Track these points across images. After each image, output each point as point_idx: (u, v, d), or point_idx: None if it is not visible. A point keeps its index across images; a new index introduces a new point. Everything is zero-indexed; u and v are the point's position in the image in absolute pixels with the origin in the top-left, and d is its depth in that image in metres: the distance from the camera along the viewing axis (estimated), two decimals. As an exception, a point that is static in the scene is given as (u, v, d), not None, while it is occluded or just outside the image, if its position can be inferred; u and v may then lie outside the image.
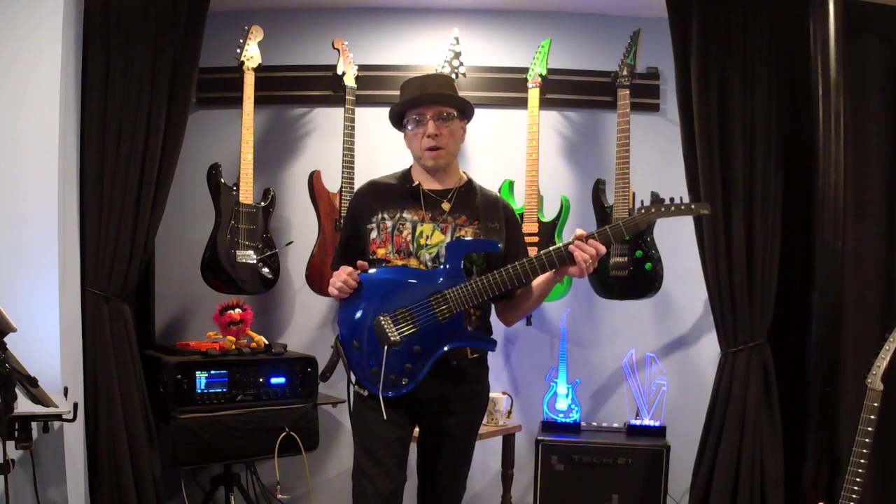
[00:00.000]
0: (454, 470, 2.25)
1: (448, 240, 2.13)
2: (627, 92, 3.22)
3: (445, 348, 2.06)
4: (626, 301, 3.29)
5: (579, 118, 3.57)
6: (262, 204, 3.30)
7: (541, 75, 3.30)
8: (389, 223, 2.16)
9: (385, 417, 2.04)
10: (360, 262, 2.11)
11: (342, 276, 2.09)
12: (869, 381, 2.34)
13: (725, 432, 2.91)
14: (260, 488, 3.31)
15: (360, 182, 3.26)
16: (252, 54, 3.23)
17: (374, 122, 3.50)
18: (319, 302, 3.51)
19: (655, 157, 3.44)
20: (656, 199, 2.07)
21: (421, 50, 3.52)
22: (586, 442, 3.10)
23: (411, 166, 2.28)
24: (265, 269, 3.27)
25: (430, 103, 2.15)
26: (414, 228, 2.15)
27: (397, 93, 3.44)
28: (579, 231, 2.03)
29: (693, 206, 2.08)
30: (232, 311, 3.10)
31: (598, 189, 3.30)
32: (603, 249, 2.01)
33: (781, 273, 2.95)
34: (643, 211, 2.05)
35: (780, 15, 2.94)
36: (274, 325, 3.56)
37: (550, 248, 2.03)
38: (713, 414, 2.97)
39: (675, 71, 2.99)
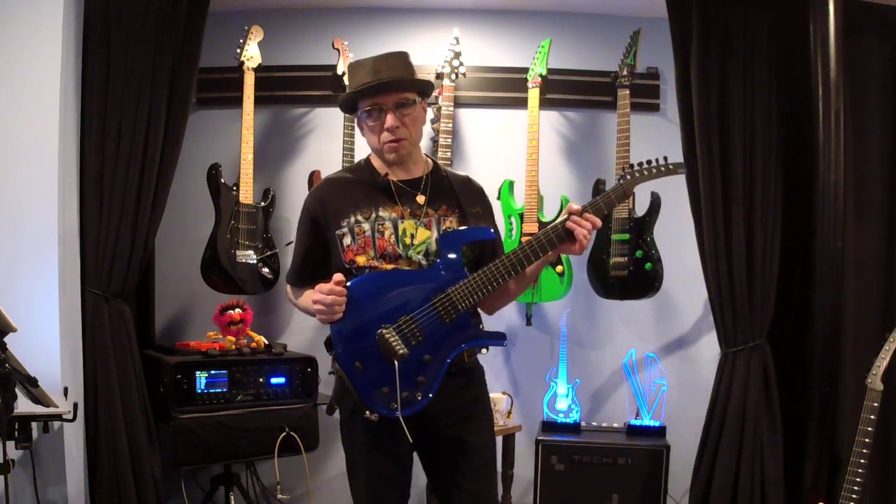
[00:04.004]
0: (482, 481, 2.02)
1: (435, 234, 1.94)
2: (627, 92, 3.22)
3: (457, 352, 1.89)
4: (626, 301, 3.30)
5: (579, 118, 3.57)
6: (262, 204, 3.30)
7: (541, 75, 3.30)
8: (366, 225, 1.94)
9: (411, 440, 1.85)
10: (337, 277, 1.86)
11: (328, 299, 1.84)
12: (869, 381, 2.34)
13: (725, 432, 2.91)
14: (260, 488, 3.31)
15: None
16: (252, 54, 3.23)
17: (374, 122, 3.50)
18: (319, 302, 3.50)
19: (655, 157, 3.43)
20: (640, 165, 2.01)
21: (421, 50, 3.51)
22: (586, 442, 3.10)
23: (368, 157, 2.06)
24: (265, 269, 3.27)
25: (386, 91, 1.90)
26: (395, 227, 1.94)
27: (397, 93, 3.49)
28: (574, 206, 1.88)
29: (672, 166, 1.98)
30: (232, 311, 3.10)
31: (598, 189, 3.30)
32: (598, 223, 1.87)
33: (781, 273, 2.95)
34: (628, 177, 1.94)
35: (780, 15, 2.94)
36: (274, 325, 3.56)
37: (548, 228, 1.88)
38: (713, 414, 2.97)
39: (675, 71, 2.99)
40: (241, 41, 3.22)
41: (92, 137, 2.81)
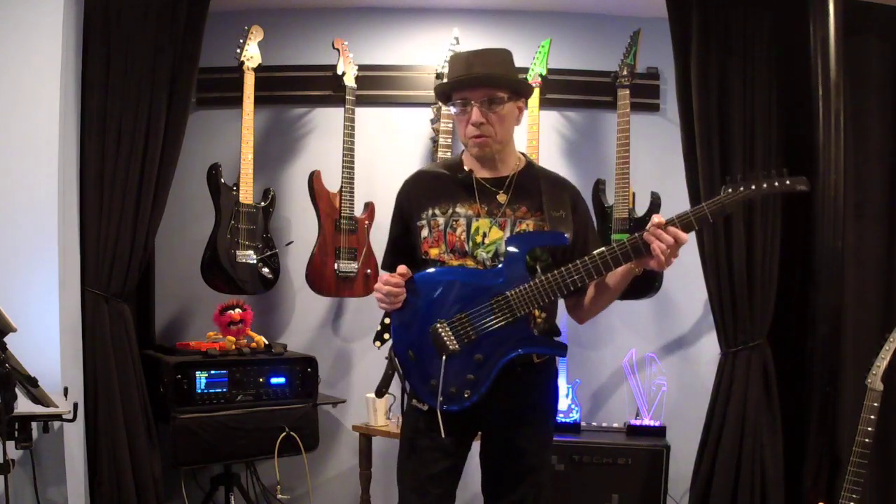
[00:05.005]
0: (527, 487, 1.98)
1: (507, 235, 1.92)
2: (627, 92, 3.21)
3: (510, 356, 1.87)
4: (626, 301, 3.29)
5: (579, 118, 3.57)
6: (262, 204, 3.30)
7: (541, 75, 3.30)
8: (441, 220, 1.96)
9: (444, 435, 1.85)
10: (400, 269, 1.90)
11: (384, 289, 1.89)
12: (869, 381, 2.34)
13: (725, 432, 2.91)
14: (260, 488, 3.31)
15: (360, 182, 3.32)
16: (252, 54, 3.23)
17: (374, 122, 3.51)
18: (319, 302, 3.51)
19: (655, 157, 3.44)
20: (748, 177, 1.75)
21: (421, 50, 3.52)
22: (586, 442, 3.09)
23: (463, 152, 2.06)
24: (265, 269, 3.27)
25: (476, 86, 1.90)
26: (469, 225, 1.94)
27: (397, 93, 3.52)
28: (657, 218, 1.77)
29: (789, 182, 1.75)
30: (232, 311, 3.10)
31: (598, 189, 3.30)
32: (684, 238, 1.75)
33: (781, 273, 2.95)
34: (730, 191, 1.76)
35: (780, 15, 2.94)
36: (274, 325, 3.56)
37: (625, 239, 1.81)
38: (713, 414, 2.97)
39: (675, 71, 2.99)
40: (241, 41, 3.22)
41: (92, 137, 2.81)
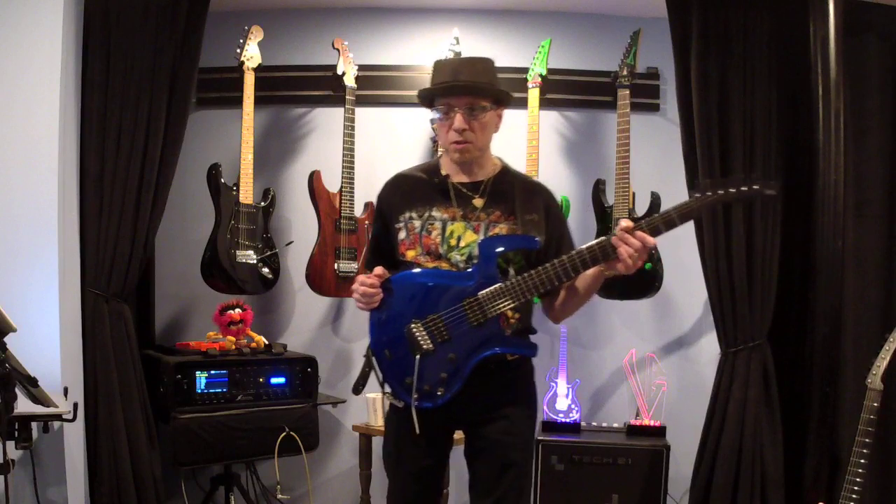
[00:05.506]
0: (505, 484, 2.00)
1: (481, 239, 1.98)
2: (627, 92, 3.21)
3: (481, 356, 1.93)
4: (626, 301, 3.29)
5: (579, 118, 3.57)
6: (262, 204, 3.30)
7: (541, 75, 3.30)
8: (417, 223, 2.02)
9: (418, 431, 1.92)
10: (377, 270, 1.97)
11: (360, 289, 1.96)
12: (869, 381, 2.33)
13: (725, 432, 2.91)
14: (260, 488, 3.31)
15: (360, 182, 3.32)
16: (252, 54, 3.23)
17: (374, 122, 3.51)
18: (319, 302, 3.51)
19: (655, 157, 3.44)
20: (715, 182, 1.81)
21: (421, 50, 3.52)
22: (586, 442, 3.10)
23: (440, 156, 2.11)
24: (265, 269, 3.27)
25: (460, 94, 1.97)
26: (444, 228, 2.00)
27: (397, 93, 3.52)
28: (624, 222, 1.83)
29: (756, 187, 1.80)
30: (232, 311, 3.10)
31: (598, 189, 3.30)
32: (651, 241, 1.81)
33: (781, 273, 2.95)
34: (698, 195, 1.82)
35: (780, 15, 2.94)
36: (274, 325, 3.56)
37: (593, 242, 1.86)
38: (713, 414, 2.97)
39: (675, 71, 2.99)
40: (241, 41, 3.22)
41: (92, 137, 2.82)
